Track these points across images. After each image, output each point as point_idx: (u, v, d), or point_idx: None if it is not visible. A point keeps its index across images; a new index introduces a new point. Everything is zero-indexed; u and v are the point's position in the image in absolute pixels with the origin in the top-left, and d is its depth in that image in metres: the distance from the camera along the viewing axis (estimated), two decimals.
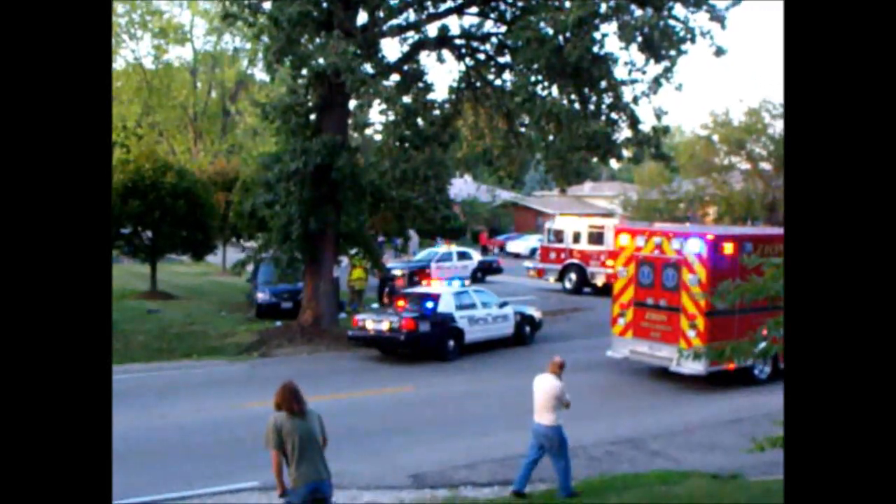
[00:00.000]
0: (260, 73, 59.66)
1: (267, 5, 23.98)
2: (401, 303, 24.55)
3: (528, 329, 25.93)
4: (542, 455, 12.56)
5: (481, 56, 27.76)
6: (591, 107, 25.48)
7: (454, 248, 43.61)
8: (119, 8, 59.28)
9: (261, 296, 30.51)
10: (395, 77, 25.71)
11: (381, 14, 24.71)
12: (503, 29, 26.48)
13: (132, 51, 61.24)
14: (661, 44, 23.38)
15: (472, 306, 24.30)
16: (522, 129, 28.60)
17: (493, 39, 27.11)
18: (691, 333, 19.25)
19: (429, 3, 25.52)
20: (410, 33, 26.15)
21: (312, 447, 8.76)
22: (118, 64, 61.24)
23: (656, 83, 24.44)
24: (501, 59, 27.03)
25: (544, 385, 12.49)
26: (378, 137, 26.94)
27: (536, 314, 26.66)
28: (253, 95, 54.70)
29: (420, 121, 25.01)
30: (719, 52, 24.38)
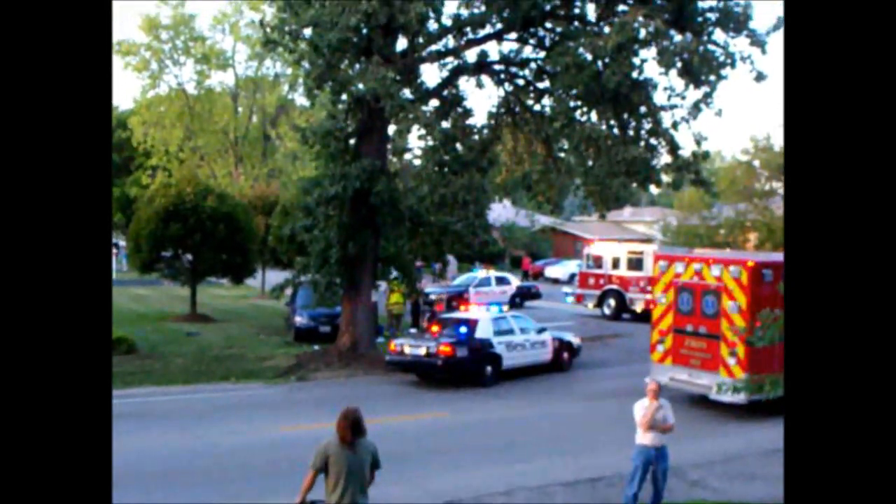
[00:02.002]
0: (300, 99, 60.03)
1: (307, 32, 24.18)
2: (438, 328, 24.52)
3: (566, 355, 25.76)
4: (659, 469, 12.54)
5: (520, 81, 27.79)
6: (631, 132, 25.40)
7: (493, 273, 43.52)
8: (163, 35, 60.13)
9: (299, 319, 30.64)
10: (434, 102, 25.81)
11: (421, 40, 24.85)
12: (542, 54, 26.49)
13: (175, 76, 62.02)
14: (700, 69, 23.28)
15: (510, 332, 24.20)
16: (561, 155, 28.57)
17: (532, 65, 27.14)
18: (731, 361, 19.01)
19: (468, 30, 25.61)
20: (449, 59, 26.25)
21: (355, 481, 8.68)
22: (161, 89, 62.05)
23: (696, 108, 24.31)
24: (540, 85, 27.06)
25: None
26: (417, 162, 27.05)
27: (575, 340, 26.50)
28: (293, 120, 55.19)
29: (459, 146, 25.06)
30: (760, 77, 24.19)
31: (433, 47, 25.75)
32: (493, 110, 28.21)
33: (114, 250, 50.04)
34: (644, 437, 12.44)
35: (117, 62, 58.28)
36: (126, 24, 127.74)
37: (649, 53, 24.05)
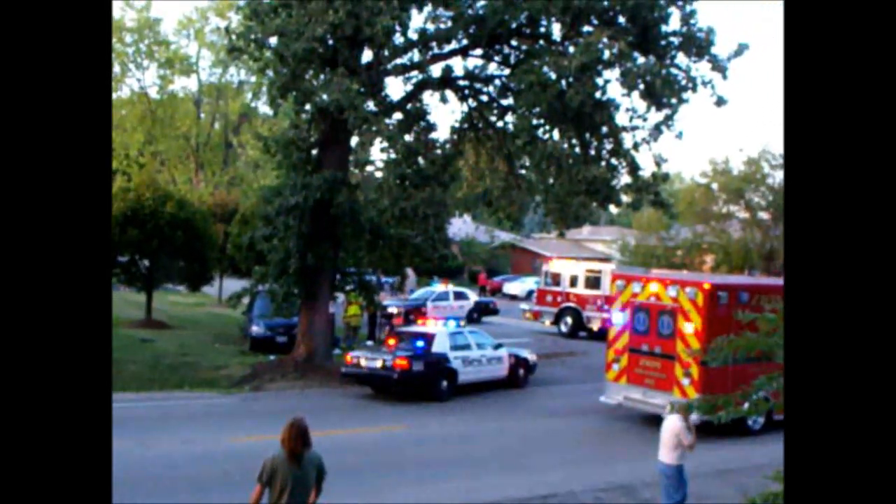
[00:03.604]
0: (263, 107, 59.85)
1: (273, 41, 24.14)
2: (394, 341, 24.49)
3: (522, 372, 25.82)
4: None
5: (484, 98, 27.92)
6: (592, 152, 25.61)
7: (451, 288, 43.54)
8: (127, 37, 59.68)
9: (255, 329, 30.45)
10: (397, 116, 25.82)
11: (386, 53, 24.87)
12: (506, 72, 26.65)
13: (138, 80, 61.63)
14: (662, 92, 23.56)
15: (467, 347, 24.23)
16: (523, 172, 28.71)
17: (497, 82, 27.28)
18: (685, 382, 19.19)
19: (433, 44, 25.68)
20: (414, 73, 26.30)
21: (298, 495, 8.60)
22: (123, 93, 61.57)
23: (657, 130, 24.61)
24: (504, 102, 27.19)
25: (669, 424, 12.69)
26: (379, 175, 27.07)
27: (531, 357, 26.57)
28: (256, 128, 54.90)
29: (421, 160, 25.09)
30: (720, 101, 24.57)
31: (398, 60, 25.77)
32: (457, 125, 28.31)
33: None
34: (684, 457, 12.65)
35: None
36: None
37: (613, 74, 24.30)
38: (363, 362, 23.23)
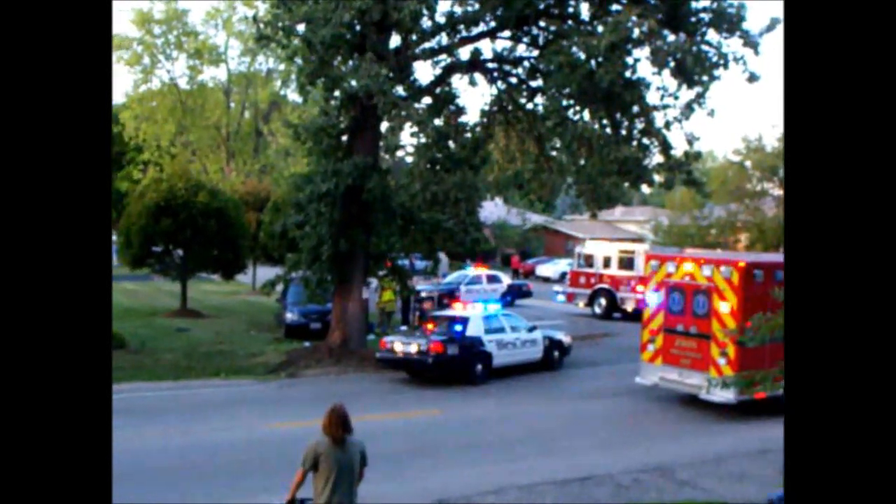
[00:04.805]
0: (293, 95, 60.04)
1: (301, 28, 24.13)
2: (429, 325, 24.51)
3: (556, 354, 25.75)
4: None
5: (513, 80, 27.78)
6: (623, 132, 25.39)
7: (483, 271, 43.50)
8: (155, 29, 60.00)
9: (290, 316, 30.61)
10: (426, 100, 25.74)
11: (414, 37, 24.79)
12: (535, 53, 26.49)
13: (168, 71, 61.89)
14: (693, 69, 23.29)
15: (501, 330, 24.19)
16: (554, 153, 28.56)
17: (526, 63, 27.13)
18: (722, 361, 19.04)
19: (461, 27, 25.57)
20: (443, 56, 26.19)
21: (347, 479, 8.65)
22: (153, 84, 61.92)
23: (688, 108, 24.34)
24: (533, 83, 27.03)
25: None
26: (409, 160, 27.02)
27: (565, 339, 26.49)
28: (286, 116, 55.06)
29: (451, 143, 25.00)
30: (752, 77, 24.23)
31: (426, 44, 25.67)
32: (486, 108, 28.19)
33: None
34: None
35: None
36: (119, 19, 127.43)
37: (642, 53, 24.06)
38: (398, 347, 23.26)
